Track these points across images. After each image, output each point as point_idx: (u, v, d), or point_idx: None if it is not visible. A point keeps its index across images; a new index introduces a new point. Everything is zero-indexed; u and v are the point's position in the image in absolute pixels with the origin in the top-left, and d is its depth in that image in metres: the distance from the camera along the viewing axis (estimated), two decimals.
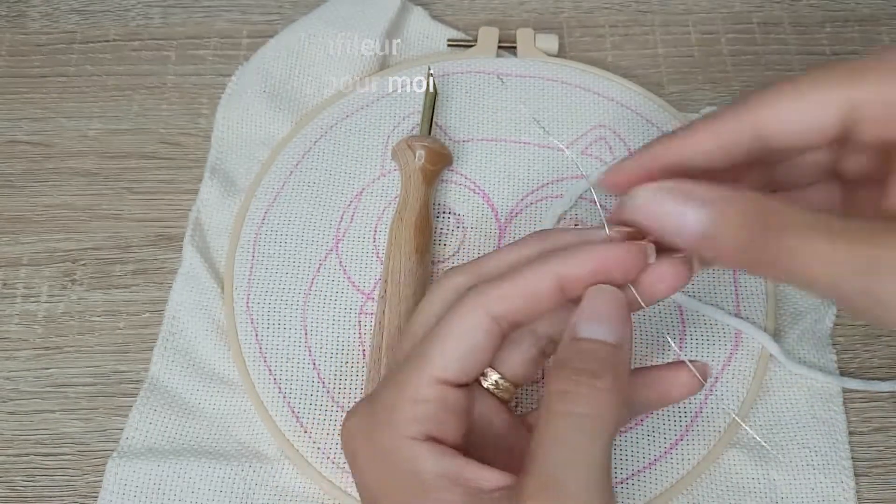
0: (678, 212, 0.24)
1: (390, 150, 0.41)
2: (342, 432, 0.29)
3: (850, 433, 0.36)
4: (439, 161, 0.40)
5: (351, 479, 0.34)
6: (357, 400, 0.34)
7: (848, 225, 0.23)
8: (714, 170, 0.26)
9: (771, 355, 0.37)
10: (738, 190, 0.24)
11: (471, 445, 0.28)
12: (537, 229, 0.32)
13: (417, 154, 0.39)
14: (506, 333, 0.27)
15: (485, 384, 0.29)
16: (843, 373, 0.38)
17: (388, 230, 0.39)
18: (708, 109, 0.44)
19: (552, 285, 0.26)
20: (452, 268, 0.29)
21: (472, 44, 0.46)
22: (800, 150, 0.26)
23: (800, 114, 0.25)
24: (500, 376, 0.29)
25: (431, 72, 0.42)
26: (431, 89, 0.41)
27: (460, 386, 0.27)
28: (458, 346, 0.27)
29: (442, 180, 0.41)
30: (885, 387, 0.37)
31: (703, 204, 0.24)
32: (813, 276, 0.23)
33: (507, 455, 0.28)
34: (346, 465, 0.34)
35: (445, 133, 0.43)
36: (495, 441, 0.29)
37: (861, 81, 0.24)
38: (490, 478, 0.26)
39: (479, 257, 0.30)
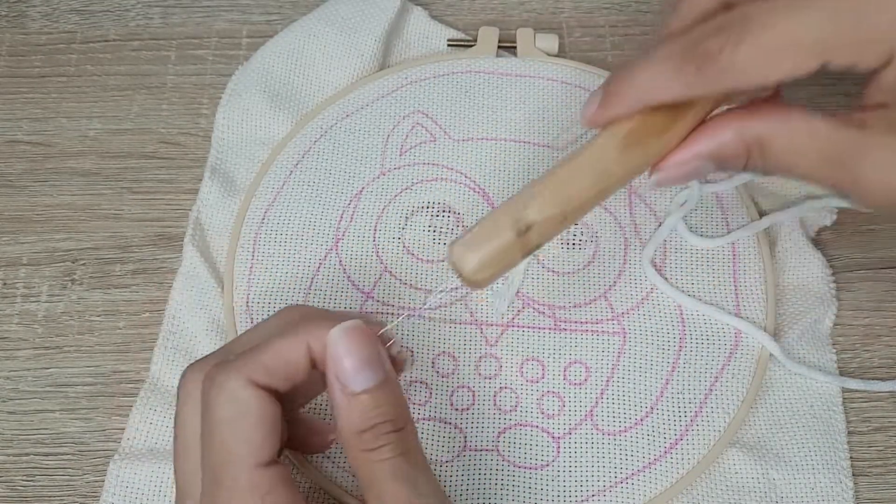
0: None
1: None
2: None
3: (850, 433, 0.36)
4: None
5: (352, 478, 0.34)
6: None
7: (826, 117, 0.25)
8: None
9: (771, 355, 0.37)
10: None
11: None
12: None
13: None
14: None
15: None
16: (843, 373, 0.38)
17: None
18: None
19: (303, 351, 0.27)
20: (191, 364, 0.29)
21: (472, 44, 0.46)
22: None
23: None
24: None
25: None
26: None
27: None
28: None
29: (441, 179, 0.41)
30: (885, 387, 0.37)
31: None
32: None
33: None
34: (346, 464, 0.34)
35: (446, 133, 0.43)
36: None
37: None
38: None
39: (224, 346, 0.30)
